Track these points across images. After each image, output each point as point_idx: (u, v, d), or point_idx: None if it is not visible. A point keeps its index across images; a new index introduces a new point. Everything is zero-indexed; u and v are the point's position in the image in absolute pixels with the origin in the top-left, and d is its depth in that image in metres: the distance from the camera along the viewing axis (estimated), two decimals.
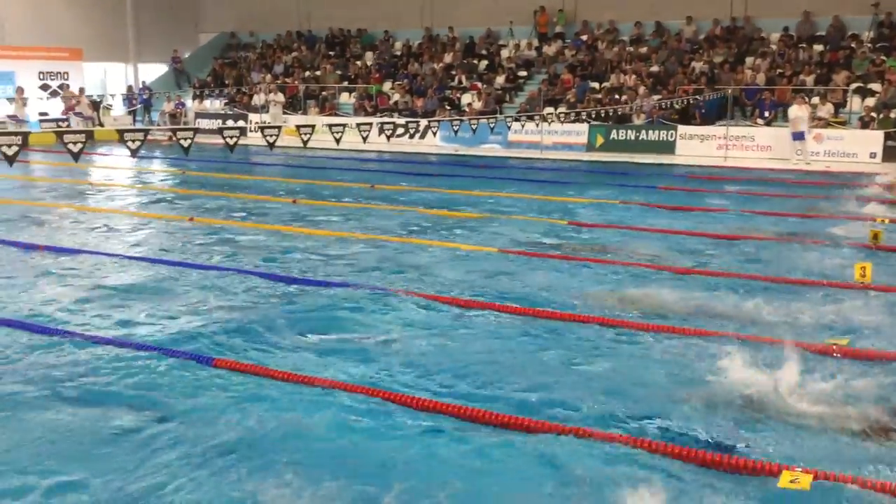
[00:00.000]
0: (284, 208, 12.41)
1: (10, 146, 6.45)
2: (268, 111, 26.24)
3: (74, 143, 6.83)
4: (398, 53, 29.27)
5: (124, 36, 31.27)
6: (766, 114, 20.44)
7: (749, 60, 22.72)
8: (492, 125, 14.26)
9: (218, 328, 6.37)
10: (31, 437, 4.50)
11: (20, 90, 24.48)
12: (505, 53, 27.10)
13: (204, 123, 26.08)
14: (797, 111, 18.23)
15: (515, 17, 27.18)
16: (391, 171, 17.52)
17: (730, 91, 20.02)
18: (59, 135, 6.84)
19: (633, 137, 21.07)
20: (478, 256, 8.93)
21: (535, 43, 27.00)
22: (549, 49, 26.33)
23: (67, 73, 27.01)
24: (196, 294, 7.35)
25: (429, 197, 13.49)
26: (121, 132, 7.48)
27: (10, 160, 6.47)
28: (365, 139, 10.55)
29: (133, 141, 7.47)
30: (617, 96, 22.44)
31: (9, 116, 23.88)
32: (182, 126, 24.47)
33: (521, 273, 8.14)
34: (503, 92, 25.10)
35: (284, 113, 26.27)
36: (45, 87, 26.32)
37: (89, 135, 7.27)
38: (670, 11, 24.86)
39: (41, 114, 24.95)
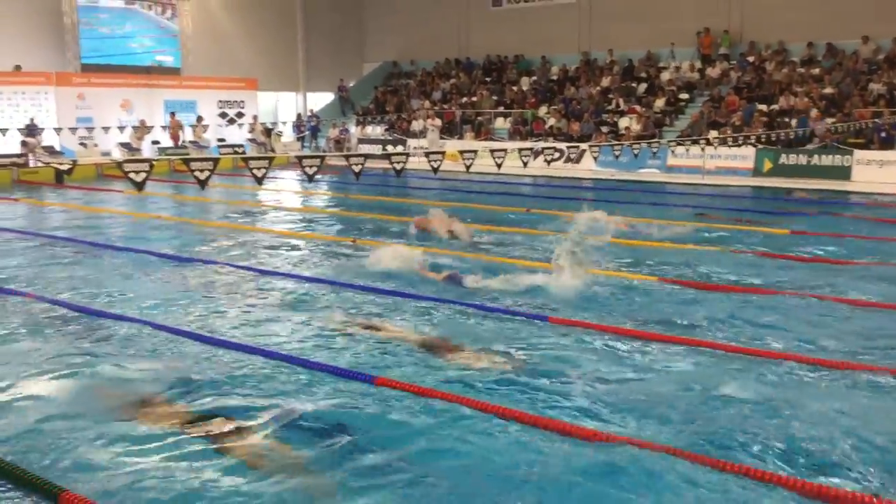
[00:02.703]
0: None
1: (202, 171, 6.98)
2: (425, 136, 26.95)
3: (258, 169, 7.30)
4: (554, 78, 29.30)
5: (295, 67, 33.22)
6: None
7: None
8: (654, 150, 13.96)
9: (380, 347, 6.55)
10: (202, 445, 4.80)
11: (200, 118, 26.39)
12: (665, 76, 26.51)
13: (366, 149, 27.17)
14: None
15: (677, 39, 26.57)
16: (548, 196, 17.46)
17: None
18: (246, 160, 7.33)
19: (804, 162, 19.98)
20: (640, 286, 8.73)
21: (698, 65, 26.24)
22: (713, 71, 25.50)
23: (244, 101, 28.85)
24: (360, 313, 7.57)
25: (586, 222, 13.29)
26: (300, 158, 7.91)
27: (203, 184, 6.99)
28: (525, 164, 10.62)
29: (310, 167, 7.89)
30: (787, 119, 21.40)
31: (190, 142, 25.83)
32: (349, 152, 25.56)
33: (685, 304, 7.90)
34: (663, 115, 24.54)
35: (441, 138, 26.88)
36: (223, 115, 28.23)
37: (269, 160, 7.74)
38: (845, 31, 23.45)
39: (219, 139, 26.84)
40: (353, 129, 29.89)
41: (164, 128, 25.27)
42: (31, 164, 21.40)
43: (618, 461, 4.44)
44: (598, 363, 6.15)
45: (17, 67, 23.58)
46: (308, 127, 30.16)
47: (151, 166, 6.27)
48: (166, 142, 25.33)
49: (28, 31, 24.67)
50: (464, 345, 6.59)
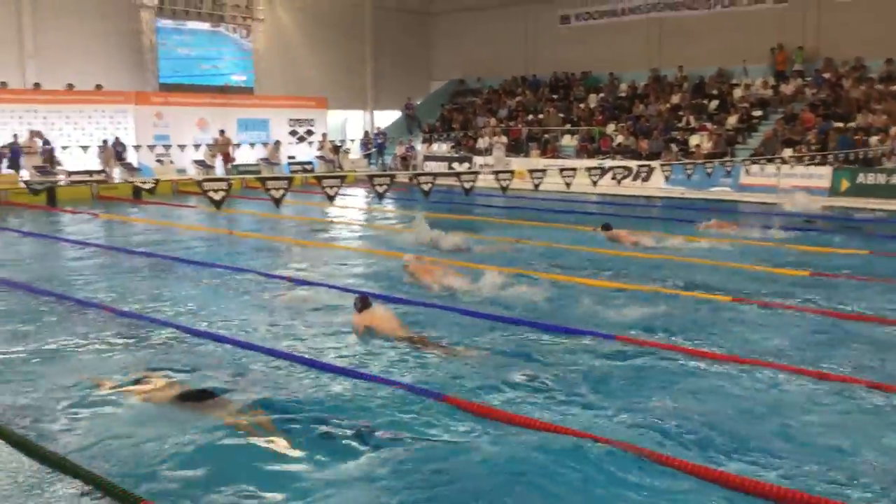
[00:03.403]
0: (509, 248, 12.57)
1: (277, 189, 7.11)
2: (491, 154, 26.99)
3: (331, 188, 7.40)
4: (622, 95, 29.04)
5: (364, 85, 33.74)
6: None
7: None
8: (728, 168, 13.69)
9: (446, 365, 6.54)
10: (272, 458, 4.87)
11: (278, 143, 26.91)
12: (738, 93, 25.99)
13: (431, 166, 27.34)
14: None
15: (750, 55, 26.05)
16: (615, 215, 17.25)
17: None
18: (319, 179, 7.44)
19: (883, 182, 19.30)
20: (710, 305, 8.55)
21: (771, 81, 25.66)
22: (787, 88, 24.91)
23: (313, 119, 29.40)
24: (428, 331, 7.56)
25: (658, 242, 13.08)
26: (370, 177, 8.01)
27: (278, 202, 7.12)
28: (595, 183, 10.53)
29: (381, 185, 7.96)
30: (865, 137, 20.74)
31: (261, 159, 26.40)
32: (415, 169, 25.79)
33: (754, 323, 7.75)
34: (735, 132, 24.06)
35: (507, 155, 26.87)
36: (293, 133, 28.80)
37: (342, 178, 7.84)
38: None
39: (289, 157, 27.37)
40: (420, 147, 30.12)
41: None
42: (114, 179, 22.20)
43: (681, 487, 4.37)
44: (668, 384, 6.05)
45: (98, 87, 24.49)
46: (375, 144, 30.52)
47: (230, 185, 6.43)
48: (239, 159, 25.93)
49: (109, 52, 25.61)
50: (532, 365, 6.55)
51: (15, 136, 21.66)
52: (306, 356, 6.77)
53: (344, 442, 5.05)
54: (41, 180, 17.42)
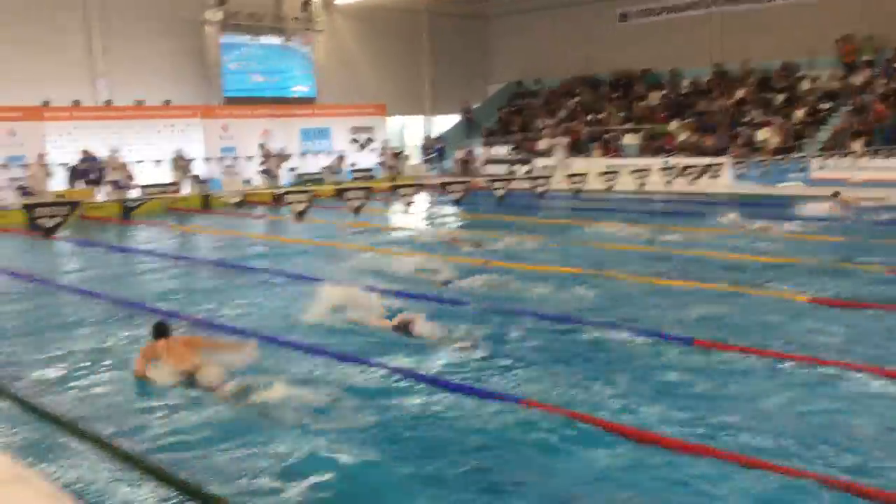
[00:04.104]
0: (577, 252, 12.48)
1: (356, 199, 7.23)
2: (552, 155, 26.85)
3: (407, 195, 7.49)
4: (685, 91, 28.60)
5: (422, 91, 33.95)
6: None
7: None
8: (802, 165, 13.40)
9: (523, 371, 6.55)
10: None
11: (342, 158, 27.21)
12: (804, 86, 25.36)
13: (492, 169, 27.34)
14: None
15: (816, 47, 25.41)
16: (685, 213, 17.01)
17: None
18: (396, 188, 7.55)
19: None
20: (785, 306, 8.40)
21: (840, 73, 24.97)
22: (856, 79, 24.22)
23: (373, 127, 29.71)
24: (501, 337, 7.55)
25: (735, 241, 12.86)
26: (445, 184, 8.08)
27: (357, 211, 7.24)
28: (670, 182, 10.42)
29: (455, 192, 8.03)
30: None
31: (325, 167, 26.76)
32: (475, 173, 25.83)
33: (832, 325, 7.62)
34: (803, 126, 23.49)
35: (568, 156, 26.69)
36: (354, 141, 29.14)
37: (420, 187, 7.92)
38: None
39: (351, 164, 27.69)
40: (479, 150, 30.12)
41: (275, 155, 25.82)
42: (183, 191, 22.76)
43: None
44: (745, 387, 5.99)
45: (167, 102, 25.17)
46: (435, 149, 30.67)
47: (311, 198, 6.56)
48: (303, 168, 26.36)
49: (176, 68, 26.26)
50: (608, 367, 6.54)
51: (84, 151, 22.32)
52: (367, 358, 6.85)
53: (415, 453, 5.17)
54: (135, 198, 18.03)
